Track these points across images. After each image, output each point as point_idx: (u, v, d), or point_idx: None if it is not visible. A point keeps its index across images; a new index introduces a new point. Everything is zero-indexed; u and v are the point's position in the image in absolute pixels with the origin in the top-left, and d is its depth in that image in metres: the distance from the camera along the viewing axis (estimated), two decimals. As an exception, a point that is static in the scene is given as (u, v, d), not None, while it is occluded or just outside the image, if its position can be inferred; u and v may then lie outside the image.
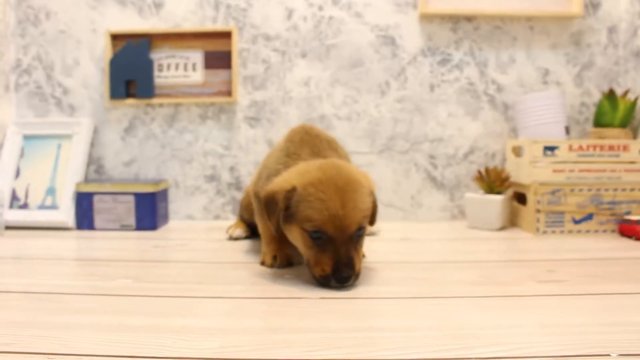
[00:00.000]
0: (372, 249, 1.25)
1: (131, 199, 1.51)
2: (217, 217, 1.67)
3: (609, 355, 0.63)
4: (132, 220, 1.51)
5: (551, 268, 1.06)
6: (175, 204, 1.67)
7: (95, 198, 1.52)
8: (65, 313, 0.79)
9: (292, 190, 0.93)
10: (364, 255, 1.12)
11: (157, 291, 0.91)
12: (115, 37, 1.64)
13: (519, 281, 0.96)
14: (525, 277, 0.99)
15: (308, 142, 1.08)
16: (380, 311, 0.80)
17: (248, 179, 1.64)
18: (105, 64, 1.63)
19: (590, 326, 0.73)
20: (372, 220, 1.01)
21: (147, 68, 1.62)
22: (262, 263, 1.10)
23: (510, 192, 1.57)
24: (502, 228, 1.50)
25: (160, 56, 1.64)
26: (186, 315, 0.78)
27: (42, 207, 1.56)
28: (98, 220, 1.52)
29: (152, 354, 0.64)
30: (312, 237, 0.93)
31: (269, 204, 0.96)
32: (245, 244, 1.33)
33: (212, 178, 1.66)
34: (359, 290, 0.91)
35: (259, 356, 0.63)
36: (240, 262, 1.12)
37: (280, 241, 1.11)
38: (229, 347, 0.66)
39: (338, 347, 0.66)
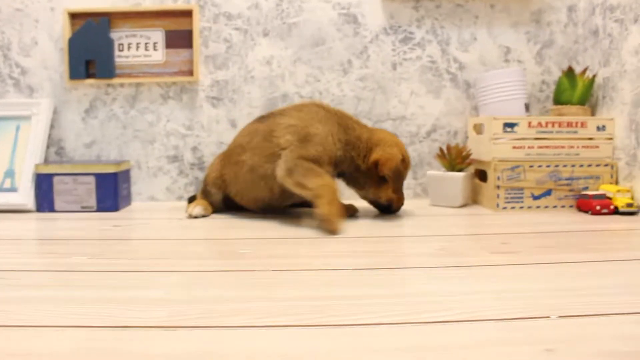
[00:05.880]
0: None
1: (92, 179, 1.49)
2: (180, 198, 1.66)
3: (549, 317, 0.64)
4: (93, 202, 1.49)
5: (506, 241, 1.07)
6: (138, 186, 1.65)
7: (55, 179, 1.49)
8: (17, 289, 0.78)
9: (403, 160, 1.31)
10: (357, 210, 1.41)
11: (112, 266, 0.90)
12: (74, 16, 1.61)
13: (473, 252, 0.98)
14: (480, 249, 1.01)
15: (337, 112, 1.35)
16: (333, 281, 0.81)
17: (210, 159, 1.62)
18: (64, 43, 1.60)
19: (536, 291, 0.74)
20: None
21: (107, 47, 1.59)
22: (328, 228, 1.17)
23: (471, 169, 1.59)
24: (464, 205, 1.52)
25: (120, 35, 1.62)
26: (136, 287, 0.78)
27: (0, 189, 1.53)
28: (58, 202, 1.50)
29: (98, 324, 0.63)
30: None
31: (397, 173, 1.29)
32: (207, 221, 1.32)
33: (174, 158, 1.65)
34: (314, 263, 0.91)
35: (206, 324, 0.63)
36: (199, 238, 1.12)
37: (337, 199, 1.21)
38: (176, 316, 0.66)
39: (285, 315, 0.66)
